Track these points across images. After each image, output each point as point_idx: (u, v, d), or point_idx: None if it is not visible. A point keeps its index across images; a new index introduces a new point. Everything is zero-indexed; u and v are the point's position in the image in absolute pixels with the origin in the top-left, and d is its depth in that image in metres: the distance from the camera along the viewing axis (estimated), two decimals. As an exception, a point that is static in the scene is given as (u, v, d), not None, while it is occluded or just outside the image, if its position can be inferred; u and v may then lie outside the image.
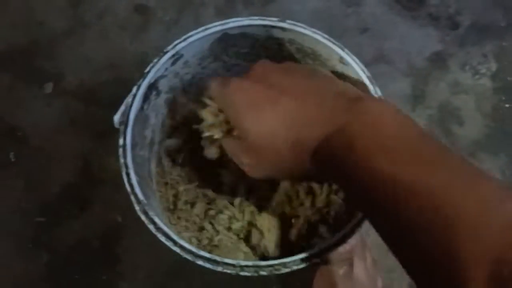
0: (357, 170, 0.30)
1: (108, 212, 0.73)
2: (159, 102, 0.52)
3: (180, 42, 0.47)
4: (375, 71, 0.81)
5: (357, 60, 0.46)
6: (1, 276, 0.69)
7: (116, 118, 0.46)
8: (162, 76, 0.49)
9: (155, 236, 0.43)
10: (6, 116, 0.78)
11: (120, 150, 0.45)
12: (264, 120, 0.34)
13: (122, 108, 0.46)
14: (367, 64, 0.82)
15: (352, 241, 0.40)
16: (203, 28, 0.47)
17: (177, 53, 0.48)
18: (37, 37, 0.83)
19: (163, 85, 0.50)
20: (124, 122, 0.45)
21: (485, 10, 0.88)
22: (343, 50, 0.46)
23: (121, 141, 0.45)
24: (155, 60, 0.47)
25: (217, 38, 0.49)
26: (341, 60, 0.46)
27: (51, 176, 0.74)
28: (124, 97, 0.47)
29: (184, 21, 0.86)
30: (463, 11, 0.88)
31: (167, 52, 0.47)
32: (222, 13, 0.87)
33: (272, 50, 0.50)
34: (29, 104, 0.78)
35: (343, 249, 0.40)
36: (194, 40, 0.47)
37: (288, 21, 0.47)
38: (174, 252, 0.41)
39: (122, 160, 0.45)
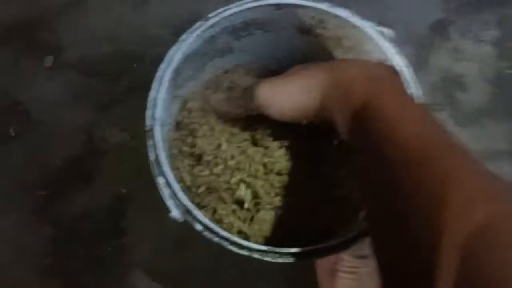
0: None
1: (112, 184, 0.72)
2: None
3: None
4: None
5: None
6: (5, 249, 0.68)
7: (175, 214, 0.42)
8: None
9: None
10: (9, 90, 0.77)
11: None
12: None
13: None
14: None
15: None
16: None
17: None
18: (38, 10, 0.82)
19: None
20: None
21: (486, -22, 0.88)
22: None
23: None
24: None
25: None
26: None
27: (53, 150, 0.73)
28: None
29: (184, -7, 0.85)
30: (464, -21, 0.88)
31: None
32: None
33: None
34: (30, 78, 0.77)
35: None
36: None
37: None
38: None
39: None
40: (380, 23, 0.83)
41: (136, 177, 0.69)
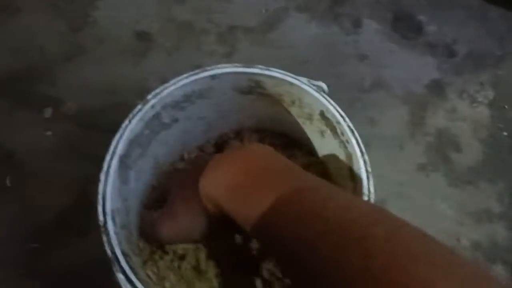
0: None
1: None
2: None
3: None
4: (374, 97, 0.83)
5: None
6: (-6, 304, 0.68)
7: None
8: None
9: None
10: (4, 141, 0.77)
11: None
12: None
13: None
14: (366, 90, 0.84)
15: None
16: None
17: None
18: (37, 62, 0.83)
19: None
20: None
21: (481, 39, 0.90)
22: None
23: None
24: None
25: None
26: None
27: (47, 201, 0.73)
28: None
29: (185, 47, 0.86)
30: (459, 40, 0.89)
31: None
32: (223, 41, 0.87)
33: None
34: (28, 129, 0.78)
35: None
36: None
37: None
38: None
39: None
40: (377, 81, 0.85)
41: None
